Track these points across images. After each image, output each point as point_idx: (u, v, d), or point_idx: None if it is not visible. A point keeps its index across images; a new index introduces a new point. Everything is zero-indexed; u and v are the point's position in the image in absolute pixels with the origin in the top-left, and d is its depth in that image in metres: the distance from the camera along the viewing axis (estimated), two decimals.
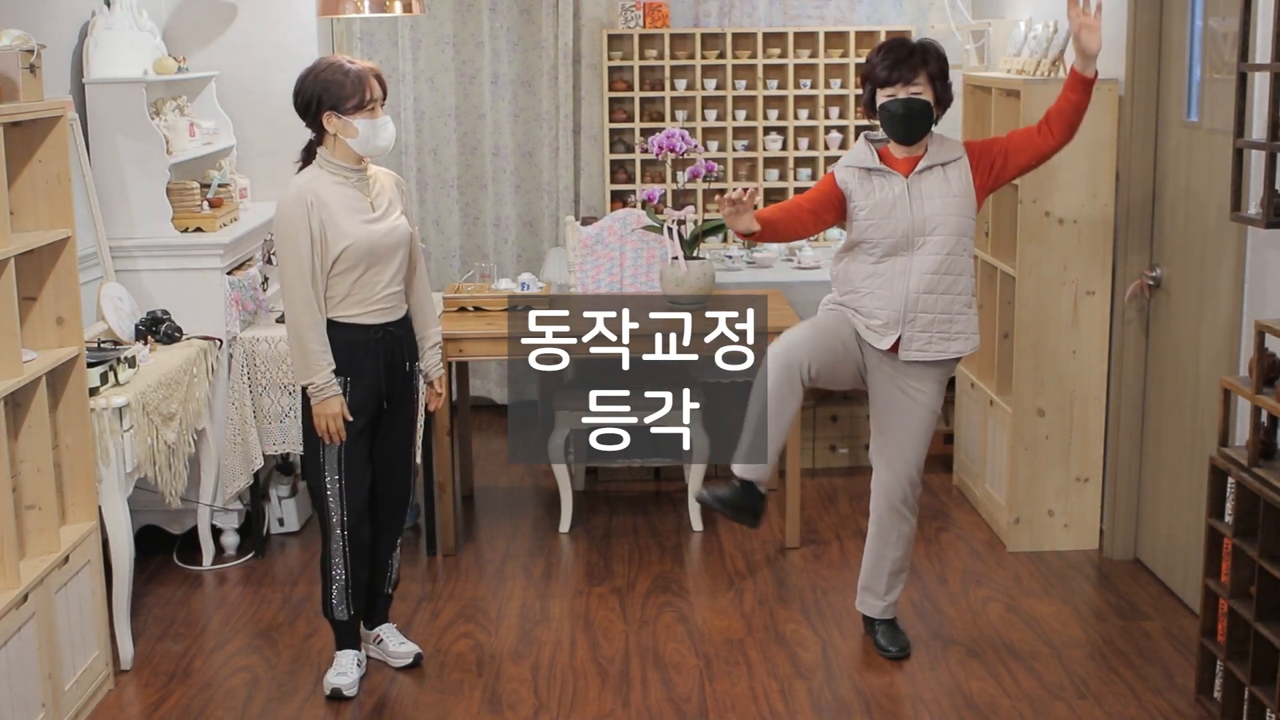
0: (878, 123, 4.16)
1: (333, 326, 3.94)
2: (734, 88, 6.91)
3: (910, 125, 4.03)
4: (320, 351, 3.89)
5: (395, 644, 4.29)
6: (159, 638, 4.50)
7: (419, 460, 5.17)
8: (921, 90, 4.02)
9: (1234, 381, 3.72)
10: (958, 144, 4.21)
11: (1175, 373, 4.69)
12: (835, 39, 6.88)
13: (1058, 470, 5.12)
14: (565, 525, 5.46)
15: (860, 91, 4.25)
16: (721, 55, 6.93)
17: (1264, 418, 3.57)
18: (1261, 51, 3.79)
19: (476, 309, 5.33)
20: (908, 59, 4.01)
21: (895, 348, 4.11)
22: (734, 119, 6.95)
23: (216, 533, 5.17)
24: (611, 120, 6.92)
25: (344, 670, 4.13)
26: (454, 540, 5.21)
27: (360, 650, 4.22)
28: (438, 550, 5.19)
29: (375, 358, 3.99)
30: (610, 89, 6.89)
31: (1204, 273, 4.43)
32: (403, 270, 4.06)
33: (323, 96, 3.90)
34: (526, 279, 5.55)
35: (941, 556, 5.14)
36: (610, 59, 6.85)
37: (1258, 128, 3.83)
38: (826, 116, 6.96)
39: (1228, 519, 3.73)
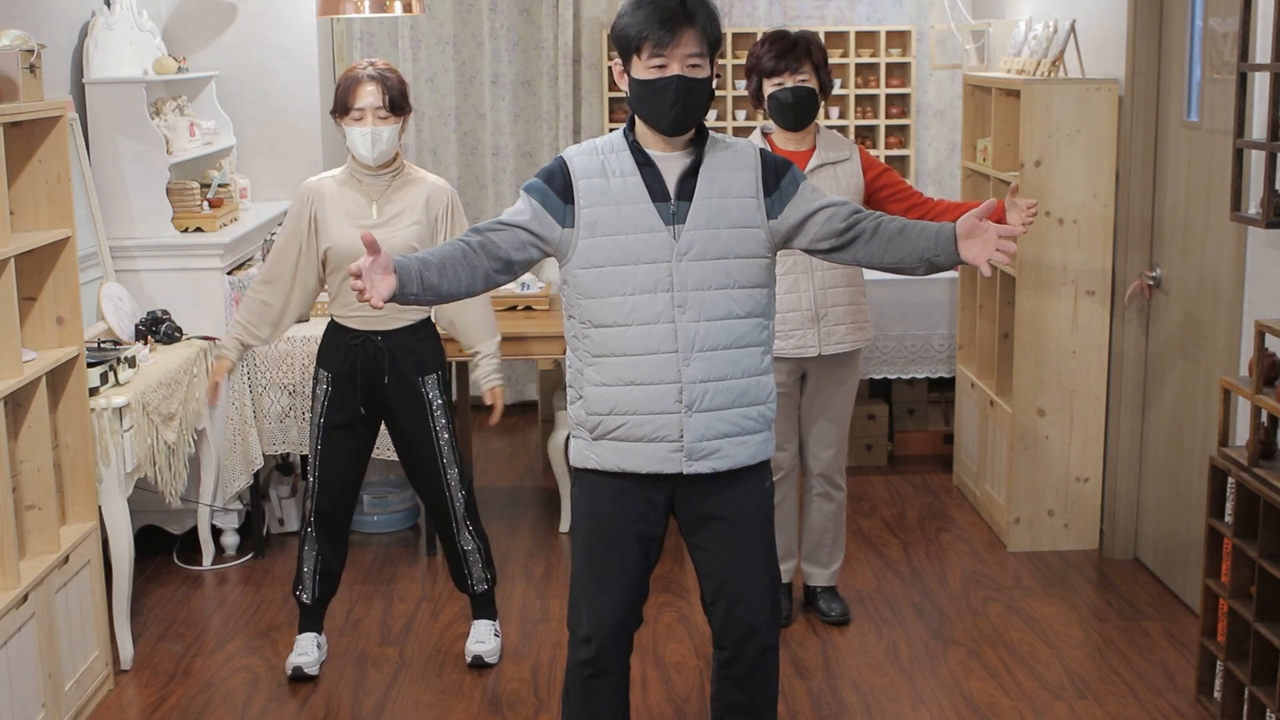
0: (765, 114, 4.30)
1: (331, 322, 4.07)
2: (734, 87, 6.90)
3: (799, 112, 4.18)
4: (239, 322, 4.05)
5: (474, 640, 4.28)
6: (159, 638, 4.50)
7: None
8: (807, 78, 4.18)
9: (1234, 381, 3.72)
10: (849, 143, 4.36)
11: (1175, 373, 4.69)
12: (835, 39, 6.88)
13: (1058, 470, 5.12)
14: (565, 525, 5.45)
15: (750, 85, 4.35)
16: (721, 55, 6.91)
17: (1264, 418, 3.57)
18: (1261, 51, 3.79)
19: None
20: (792, 49, 4.17)
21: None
22: (734, 119, 6.95)
23: (216, 533, 5.17)
24: (611, 120, 6.92)
25: (304, 651, 4.20)
26: None
27: (321, 634, 4.28)
28: (438, 550, 5.18)
29: (350, 363, 4.00)
30: (610, 89, 6.89)
31: (1204, 273, 4.43)
32: None
33: (335, 100, 4.00)
34: (527, 279, 5.55)
35: (941, 556, 5.14)
36: (610, 59, 6.84)
37: (1258, 128, 3.83)
38: (826, 116, 6.95)
39: (1228, 519, 3.73)
